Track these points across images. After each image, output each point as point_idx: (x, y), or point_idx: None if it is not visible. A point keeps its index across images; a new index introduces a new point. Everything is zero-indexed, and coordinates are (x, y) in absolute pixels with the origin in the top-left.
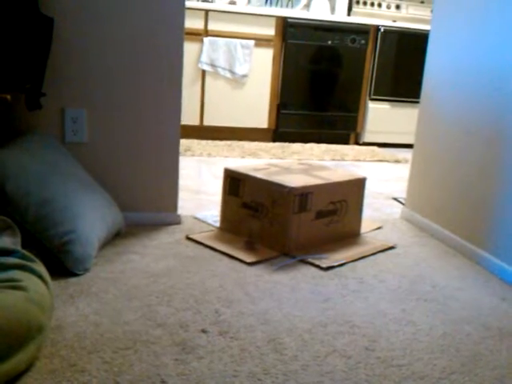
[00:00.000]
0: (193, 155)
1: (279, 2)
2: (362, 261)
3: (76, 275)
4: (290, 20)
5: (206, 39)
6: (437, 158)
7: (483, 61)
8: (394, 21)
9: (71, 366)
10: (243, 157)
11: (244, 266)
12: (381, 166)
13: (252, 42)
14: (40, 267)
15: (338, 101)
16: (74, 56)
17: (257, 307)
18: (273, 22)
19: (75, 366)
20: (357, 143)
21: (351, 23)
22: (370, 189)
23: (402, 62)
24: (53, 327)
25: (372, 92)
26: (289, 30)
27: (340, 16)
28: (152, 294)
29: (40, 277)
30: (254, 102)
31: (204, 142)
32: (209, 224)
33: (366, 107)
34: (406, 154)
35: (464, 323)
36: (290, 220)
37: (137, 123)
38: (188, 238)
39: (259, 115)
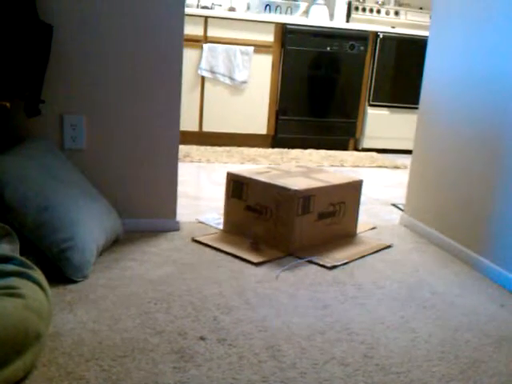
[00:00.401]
0: (192, 161)
1: (278, 9)
2: (360, 267)
3: (74, 282)
4: (288, 26)
5: (206, 46)
6: (436, 164)
7: (482, 66)
8: (393, 27)
9: (69, 373)
10: (242, 163)
11: (243, 273)
12: (380, 172)
13: (251, 49)
14: (38, 274)
15: (337, 107)
16: (72, 63)
17: (255, 314)
18: (272, 28)
19: (73, 374)
20: (356, 149)
21: (350, 29)
22: (368, 195)
23: (400, 68)
24: (51, 334)
25: (371, 98)
26: (288, 36)
27: (339, 22)
28: (150, 301)
29: (38, 284)
30: (253, 108)
31: (203, 147)
32: (211, 227)
33: (365, 113)
34: (405, 159)
35: (463, 330)
36: (294, 222)
37: (136, 129)
38: (194, 241)
39: (258, 121)
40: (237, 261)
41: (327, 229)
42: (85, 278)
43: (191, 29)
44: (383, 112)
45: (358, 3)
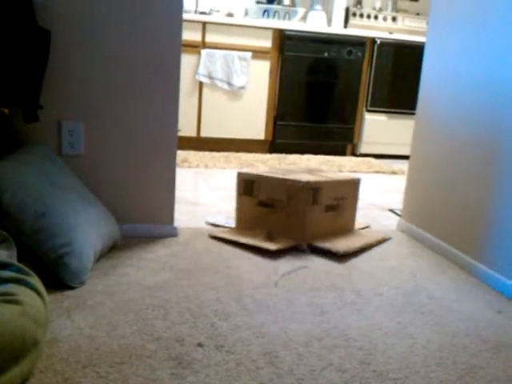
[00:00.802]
0: (190, 167)
1: (276, 14)
2: (358, 273)
3: (72, 288)
4: (286, 32)
5: (204, 51)
6: (433, 169)
7: (479, 72)
8: (391, 33)
9: (66, 380)
10: (240, 168)
11: (240, 279)
12: (377, 178)
13: (249, 54)
14: (36, 281)
15: (335, 112)
16: (71, 69)
17: (253, 320)
18: (270, 34)
19: (70, 381)
20: (353, 154)
21: (348, 35)
22: (366, 200)
23: (398, 74)
24: (48, 341)
25: (368, 103)
26: (286, 42)
27: (336, 28)
28: (148, 307)
29: (36, 290)
30: (251, 113)
31: (201, 153)
32: (222, 226)
33: (362, 119)
34: (403, 165)
35: (460, 336)
36: (305, 211)
37: (133, 135)
38: (211, 237)
39: (256, 127)
40: (234, 267)
41: (332, 222)
42: (82, 284)
43: (189, 34)
44: (381, 117)
45: (355, 9)
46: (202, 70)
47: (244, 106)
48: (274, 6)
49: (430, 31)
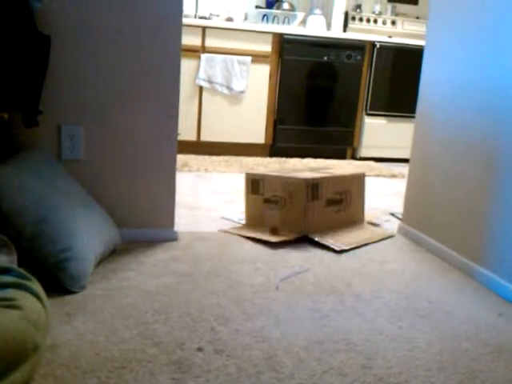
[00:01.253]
0: (190, 171)
1: (276, 19)
2: (358, 277)
3: (72, 293)
4: (286, 36)
5: (204, 56)
6: (433, 172)
7: (478, 75)
8: (390, 36)
9: None
10: (241, 172)
11: (240, 283)
12: (377, 181)
13: (249, 59)
14: (36, 285)
15: (335, 116)
16: (70, 73)
17: (253, 325)
18: (269, 38)
19: None
20: (353, 158)
21: (347, 39)
22: (366, 204)
23: (397, 78)
24: (48, 346)
25: (368, 107)
26: (285, 46)
27: (336, 32)
28: (148, 311)
29: (36, 295)
30: (250, 117)
31: (201, 157)
32: (234, 222)
33: (362, 122)
34: (403, 168)
35: (461, 339)
36: (305, 206)
37: (133, 139)
38: (220, 231)
39: (256, 131)
40: (235, 271)
41: (336, 215)
42: (82, 289)
43: (189, 39)
44: (380, 121)
45: (354, 13)
46: (201, 74)
47: (244, 110)
48: (274, 11)
49: (429, 35)
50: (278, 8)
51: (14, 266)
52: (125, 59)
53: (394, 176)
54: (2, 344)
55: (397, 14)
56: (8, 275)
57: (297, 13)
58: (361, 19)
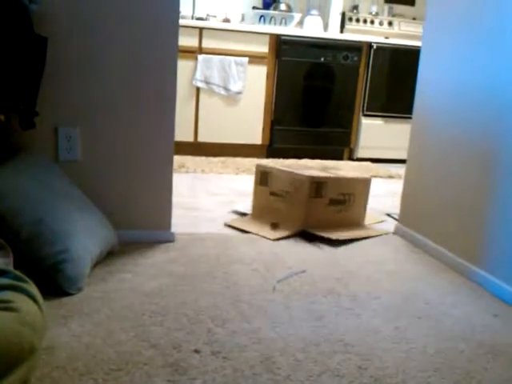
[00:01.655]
0: (187, 172)
1: (272, 20)
2: (355, 277)
3: (69, 295)
4: (283, 37)
5: (201, 57)
6: (430, 173)
7: (475, 75)
8: (387, 37)
9: None
10: (237, 173)
11: (237, 284)
12: (374, 182)
13: (246, 60)
14: (32, 288)
15: (332, 117)
16: (67, 75)
17: (250, 326)
18: (266, 39)
19: None
20: (350, 159)
21: (344, 40)
22: None
23: (394, 78)
24: (45, 348)
25: (365, 108)
26: (282, 47)
27: (333, 33)
28: (145, 313)
29: (32, 298)
30: (248, 118)
31: (198, 158)
32: (243, 213)
33: (359, 123)
34: (400, 169)
35: (457, 340)
36: (307, 202)
37: (130, 140)
38: (226, 225)
39: (253, 131)
40: (232, 272)
41: (338, 215)
42: (79, 291)
43: (186, 40)
44: (377, 122)
45: (351, 14)
46: (198, 75)
47: (241, 111)
48: (271, 12)
49: (426, 36)
50: (274, 9)
51: (11, 267)
52: (121, 60)
53: (390, 177)
54: None
55: (393, 15)
56: (4, 277)
57: (294, 14)
58: (358, 20)
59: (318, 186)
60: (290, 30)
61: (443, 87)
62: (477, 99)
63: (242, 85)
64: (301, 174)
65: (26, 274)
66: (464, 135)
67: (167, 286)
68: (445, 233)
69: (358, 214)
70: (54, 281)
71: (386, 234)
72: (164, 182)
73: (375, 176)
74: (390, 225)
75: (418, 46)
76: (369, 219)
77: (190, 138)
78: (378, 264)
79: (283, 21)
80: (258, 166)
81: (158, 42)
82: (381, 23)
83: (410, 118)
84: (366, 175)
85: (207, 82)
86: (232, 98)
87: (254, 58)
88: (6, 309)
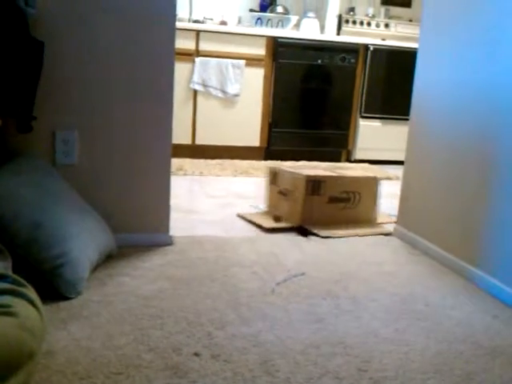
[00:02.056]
0: (185, 174)
1: (269, 22)
2: (354, 279)
3: (68, 299)
4: (280, 40)
5: (198, 59)
6: (428, 174)
7: (471, 77)
8: (383, 39)
9: None
10: (235, 175)
11: (236, 287)
12: None
13: (243, 62)
14: (31, 292)
15: (329, 119)
16: (64, 78)
17: (249, 329)
18: (263, 41)
19: None
20: (348, 161)
21: (341, 42)
22: None
23: (391, 80)
24: (44, 352)
25: (363, 110)
26: (279, 49)
27: (329, 35)
28: (144, 317)
29: (31, 302)
30: (245, 120)
31: (196, 160)
32: (258, 208)
33: (356, 125)
34: (398, 171)
35: (457, 342)
36: (304, 200)
37: (128, 143)
38: (238, 216)
39: (251, 134)
40: (231, 275)
41: (341, 212)
42: (78, 295)
43: (183, 43)
44: (375, 123)
45: (348, 16)
46: (196, 78)
47: (238, 114)
48: (267, 14)
49: (423, 37)
50: (271, 11)
51: (9, 272)
52: (118, 63)
53: (388, 178)
54: None
55: (390, 17)
56: (3, 282)
57: (290, 16)
58: (354, 22)
59: (314, 184)
60: (286, 32)
61: (440, 89)
62: (474, 101)
63: (239, 87)
64: (299, 173)
65: (25, 279)
66: (462, 137)
67: (166, 290)
68: (444, 234)
69: (366, 212)
70: (52, 285)
71: (386, 234)
72: (162, 184)
73: None
74: (389, 226)
75: (414, 48)
76: (383, 218)
77: (187, 141)
78: (377, 265)
79: (280, 23)
80: (270, 167)
81: (155, 45)
82: (377, 25)
83: (407, 119)
84: (371, 174)
85: (204, 85)
86: (229, 100)
87: (251, 61)
88: (5, 313)
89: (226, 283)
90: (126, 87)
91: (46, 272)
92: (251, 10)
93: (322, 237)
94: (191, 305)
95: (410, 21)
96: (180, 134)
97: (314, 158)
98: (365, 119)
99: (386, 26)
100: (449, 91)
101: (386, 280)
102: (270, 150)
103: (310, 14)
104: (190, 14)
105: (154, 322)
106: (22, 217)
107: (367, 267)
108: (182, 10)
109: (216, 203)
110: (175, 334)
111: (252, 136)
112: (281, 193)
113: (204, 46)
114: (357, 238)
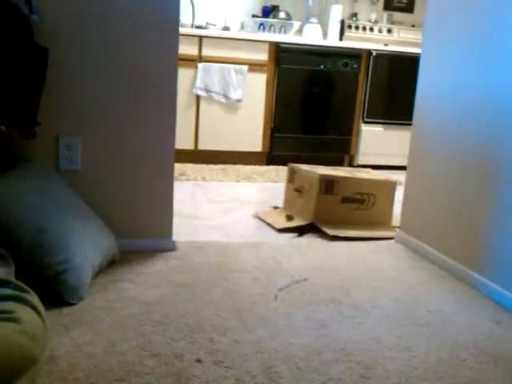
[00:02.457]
0: (188, 179)
1: (272, 28)
2: (356, 286)
3: (70, 304)
4: (282, 45)
5: (200, 65)
6: (430, 180)
7: (474, 83)
8: (386, 44)
9: None
10: (238, 181)
11: (239, 293)
12: None
13: (245, 67)
14: (34, 298)
15: (332, 124)
16: (68, 84)
17: (252, 335)
18: (266, 47)
19: None
20: (351, 166)
21: (343, 47)
22: None
23: (394, 85)
24: (46, 358)
25: (365, 115)
26: (282, 54)
27: (332, 41)
28: (146, 323)
29: (34, 308)
30: (248, 125)
31: (199, 166)
32: (277, 207)
33: (359, 130)
34: (400, 176)
35: (460, 348)
36: (318, 198)
37: (131, 149)
38: (255, 216)
39: (253, 139)
40: (233, 281)
41: (353, 213)
42: (80, 300)
43: (186, 48)
44: (377, 128)
45: (350, 21)
46: (198, 83)
47: (241, 119)
48: (270, 20)
49: (425, 43)
50: (274, 17)
51: (12, 278)
52: (122, 69)
53: None
54: (0, 357)
55: (393, 23)
56: (6, 288)
57: (293, 22)
58: (357, 27)
59: (328, 183)
60: (289, 37)
61: (443, 94)
62: (476, 105)
63: (242, 93)
64: (314, 172)
65: (28, 284)
66: (464, 142)
67: (168, 295)
68: (446, 240)
69: (381, 215)
70: (55, 290)
71: (389, 238)
72: (165, 190)
73: None
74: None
75: (417, 53)
76: (397, 221)
77: (190, 146)
78: (379, 271)
79: (282, 29)
80: (289, 165)
81: (158, 51)
82: (380, 30)
83: (410, 124)
84: (388, 178)
85: (207, 90)
86: (232, 105)
87: (254, 66)
88: (7, 319)
89: (229, 289)
90: (129, 92)
91: (49, 277)
92: (254, 16)
93: (330, 235)
94: (194, 311)
95: (413, 26)
96: (183, 139)
97: (317, 163)
98: (367, 124)
99: (389, 31)
100: (452, 96)
101: (388, 286)
102: (273, 155)
103: (313, 20)
104: (193, 19)
105: (156, 328)
106: (27, 222)
107: (369, 273)
108: (184, 16)
109: (218, 208)
110: (177, 340)
111: (254, 141)
112: (296, 190)
113: (207, 51)
114: (359, 242)
